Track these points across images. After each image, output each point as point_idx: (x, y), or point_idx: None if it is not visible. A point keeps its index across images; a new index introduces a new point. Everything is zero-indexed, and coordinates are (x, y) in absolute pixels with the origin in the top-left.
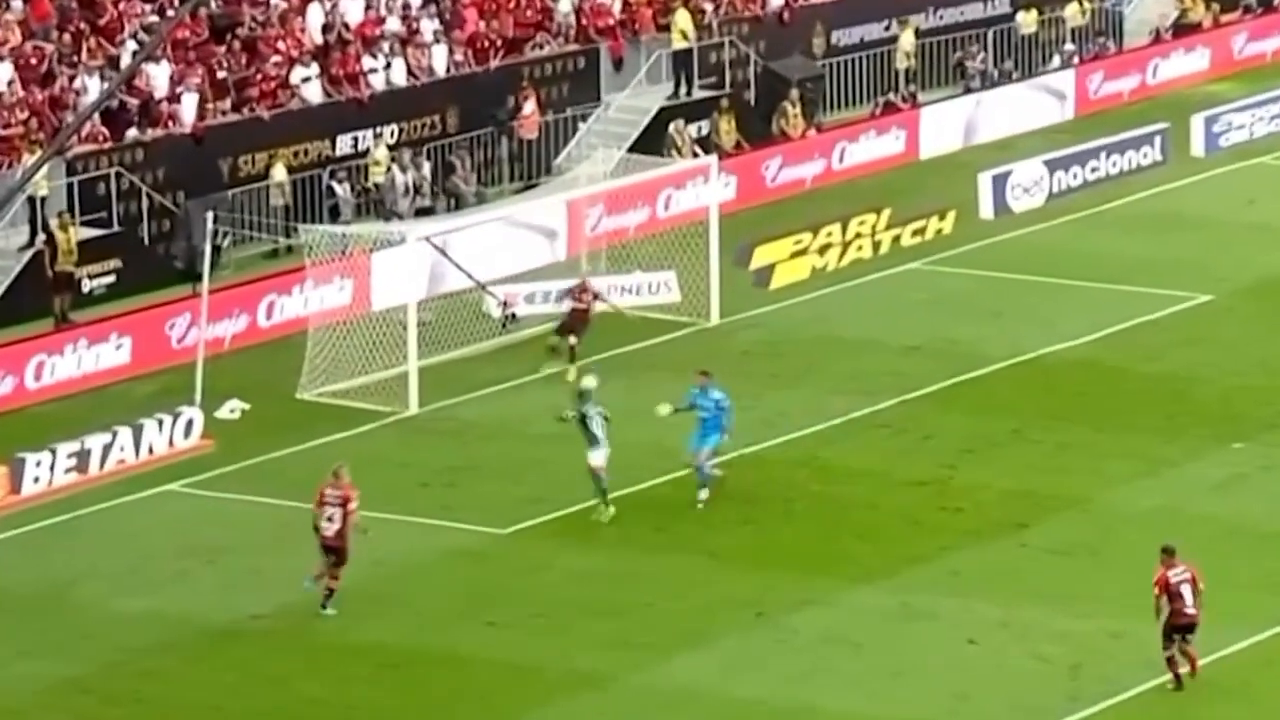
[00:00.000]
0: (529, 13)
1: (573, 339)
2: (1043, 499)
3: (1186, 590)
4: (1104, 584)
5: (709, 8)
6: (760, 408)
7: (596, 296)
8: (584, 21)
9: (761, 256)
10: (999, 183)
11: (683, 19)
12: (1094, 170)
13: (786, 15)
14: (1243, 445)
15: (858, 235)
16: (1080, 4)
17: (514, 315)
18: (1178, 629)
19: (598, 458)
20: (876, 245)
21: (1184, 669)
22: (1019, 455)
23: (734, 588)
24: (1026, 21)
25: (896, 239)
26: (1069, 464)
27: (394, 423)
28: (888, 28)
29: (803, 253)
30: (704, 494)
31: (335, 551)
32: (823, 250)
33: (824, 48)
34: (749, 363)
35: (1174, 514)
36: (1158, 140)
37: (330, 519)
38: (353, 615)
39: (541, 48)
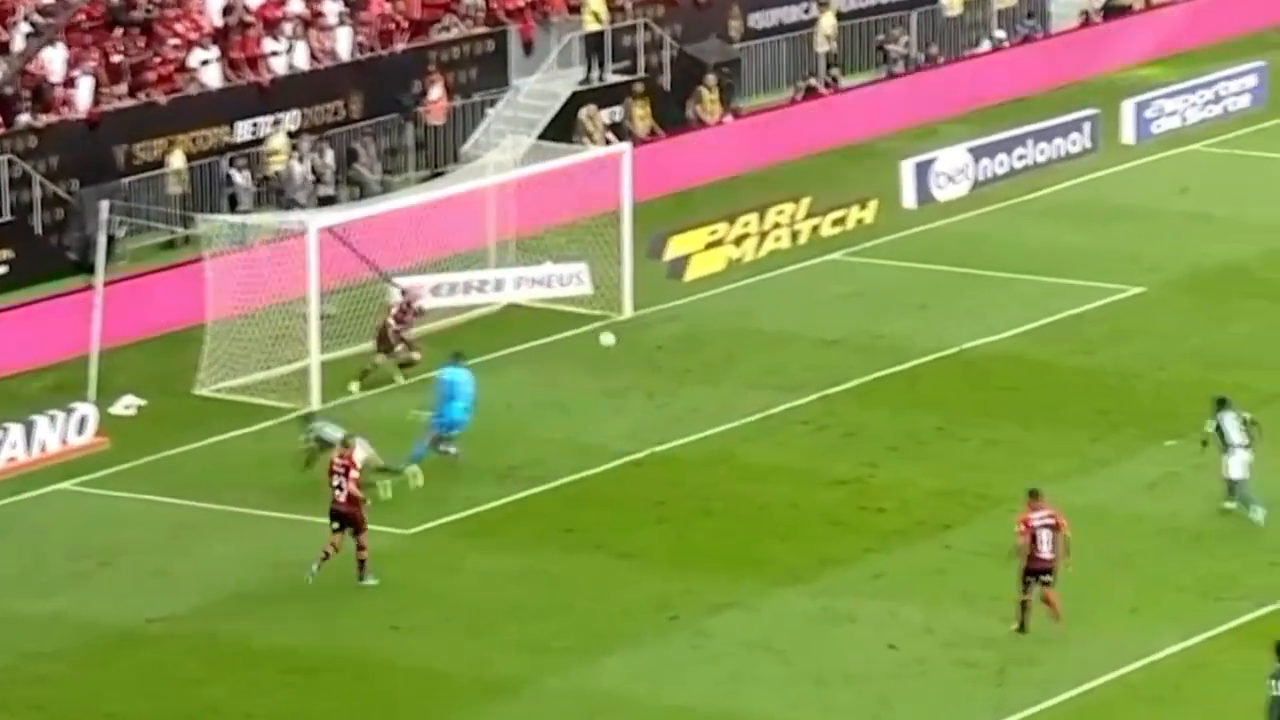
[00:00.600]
0: None
1: (380, 358)
2: (969, 499)
3: (1045, 535)
4: None
5: None
6: (675, 404)
7: (418, 314)
8: (493, 4)
9: (676, 247)
10: (922, 171)
11: (595, 1)
12: (1021, 158)
13: None
14: (1176, 442)
15: (776, 225)
16: None
17: (419, 309)
18: (1031, 572)
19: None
20: (795, 235)
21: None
22: (944, 453)
23: (649, 590)
24: (952, 3)
25: (816, 229)
26: (996, 462)
27: (295, 419)
28: (807, 10)
29: (719, 243)
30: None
31: (349, 520)
32: (739, 241)
33: (741, 31)
34: (663, 357)
35: (1105, 514)
36: (1087, 127)
37: (339, 486)
38: (256, 618)
39: (449, 30)
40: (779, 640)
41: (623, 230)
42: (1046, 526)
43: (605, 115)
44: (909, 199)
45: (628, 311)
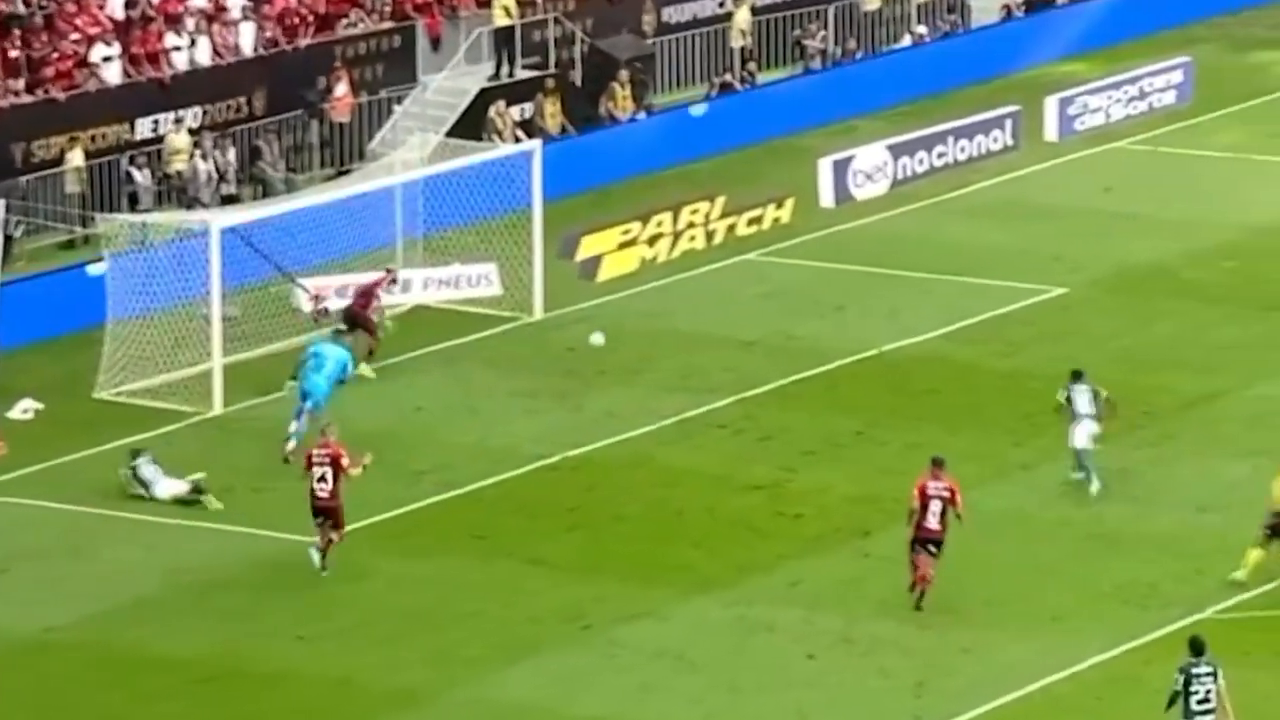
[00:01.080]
0: None
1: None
2: (888, 504)
3: (936, 505)
4: (953, 595)
5: None
6: (589, 407)
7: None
8: None
9: (588, 247)
10: (840, 169)
11: None
12: (941, 156)
13: None
14: (1099, 446)
15: (690, 225)
16: None
17: (325, 309)
18: (918, 540)
19: None
20: (710, 235)
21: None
22: (863, 457)
23: (561, 598)
24: None
25: (731, 228)
26: (917, 466)
27: (198, 423)
28: (722, 4)
29: (632, 243)
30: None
31: (329, 513)
32: (653, 240)
33: (655, 25)
34: (575, 359)
35: (1027, 518)
36: (1009, 124)
37: (323, 479)
38: (158, 627)
39: (355, 25)
40: (693, 650)
41: (533, 230)
42: (939, 498)
43: (515, 112)
44: (826, 198)
45: (539, 313)
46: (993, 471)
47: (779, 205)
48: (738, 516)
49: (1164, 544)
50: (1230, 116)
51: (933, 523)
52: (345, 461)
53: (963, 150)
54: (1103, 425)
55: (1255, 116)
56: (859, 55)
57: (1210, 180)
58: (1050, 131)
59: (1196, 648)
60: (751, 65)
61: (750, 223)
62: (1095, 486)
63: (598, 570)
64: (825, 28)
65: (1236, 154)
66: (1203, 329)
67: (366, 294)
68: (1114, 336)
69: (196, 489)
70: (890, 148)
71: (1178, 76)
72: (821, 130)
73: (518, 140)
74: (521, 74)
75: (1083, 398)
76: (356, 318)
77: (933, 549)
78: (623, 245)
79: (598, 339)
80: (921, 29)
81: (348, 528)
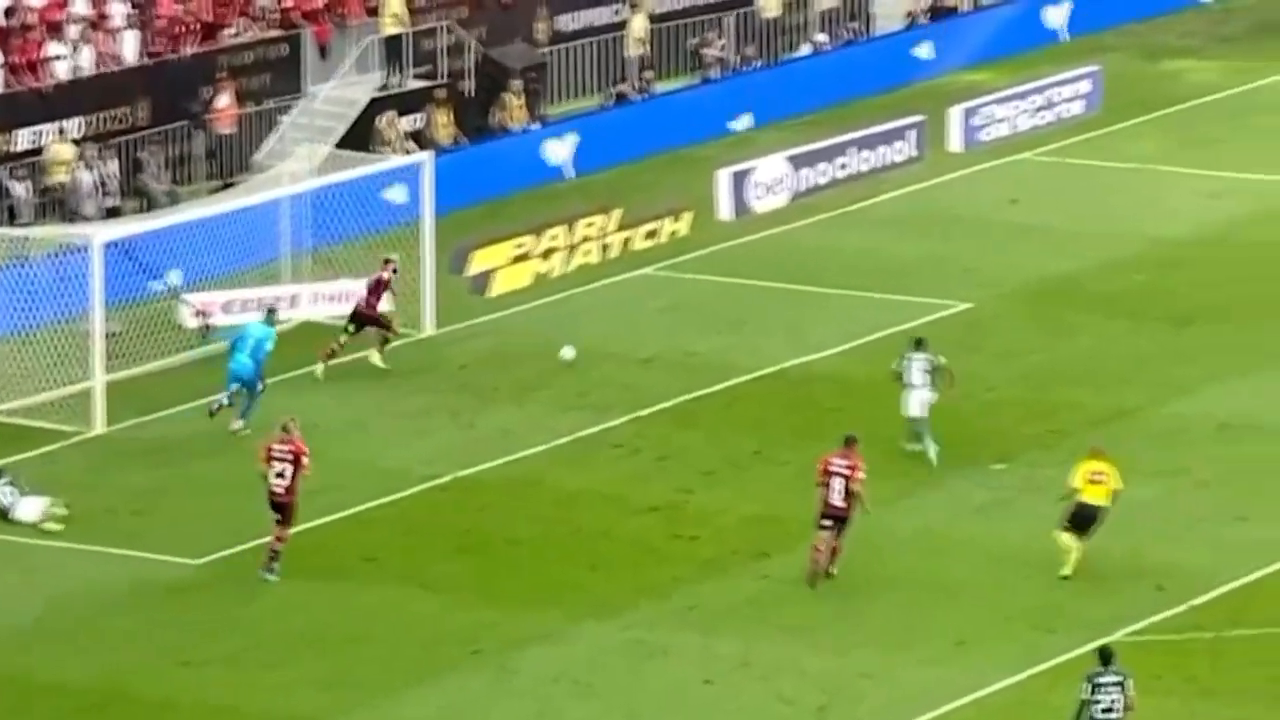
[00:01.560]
0: None
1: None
2: (788, 525)
3: (837, 483)
4: (855, 617)
5: None
6: (481, 426)
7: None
8: (286, 6)
9: (479, 261)
10: (739, 180)
11: (394, 2)
12: (843, 167)
13: None
14: (1005, 466)
15: (585, 238)
16: None
17: (210, 326)
18: (824, 516)
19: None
20: (606, 249)
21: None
22: (762, 477)
23: (453, 622)
24: (769, 5)
25: (628, 242)
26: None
27: (78, 443)
28: (617, 12)
29: (525, 257)
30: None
31: (282, 509)
32: (547, 254)
33: (549, 34)
34: (468, 376)
35: (933, 539)
36: (912, 134)
37: (281, 475)
38: (36, 653)
39: (240, 34)
40: (588, 675)
41: (424, 244)
42: (840, 475)
43: (406, 123)
44: (725, 210)
45: (429, 329)
46: (896, 490)
47: (677, 218)
48: (634, 538)
49: (1079, 564)
50: (1140, 127)
51: (836, 499)
52: (306, 460)
53: (866, 161)
54: (938, 395)
55: (1166, 126)
56: (758, 64)
57: (1120, 192)
58: (955, 142)
59: (1104, 657)
60: (648, 74)
61: (647, 236)
62: (933, 452)
63: (491, 593)
64: (723, 36)
65: (1146, 165)
66: (1112, 344)
67: (373, 291)
68: (1021, 352)
69: (49, 511)
70: (791, 159)
71: (1086, 86)
72: (720, 141)
73: (408, 152)
74: (412, 84)
75: (918, 366)
76: (363, 317)
77: (828, 524)
78: (516, 259)
79: (568, 353)
80: (822, 37)
81: (241, 548)
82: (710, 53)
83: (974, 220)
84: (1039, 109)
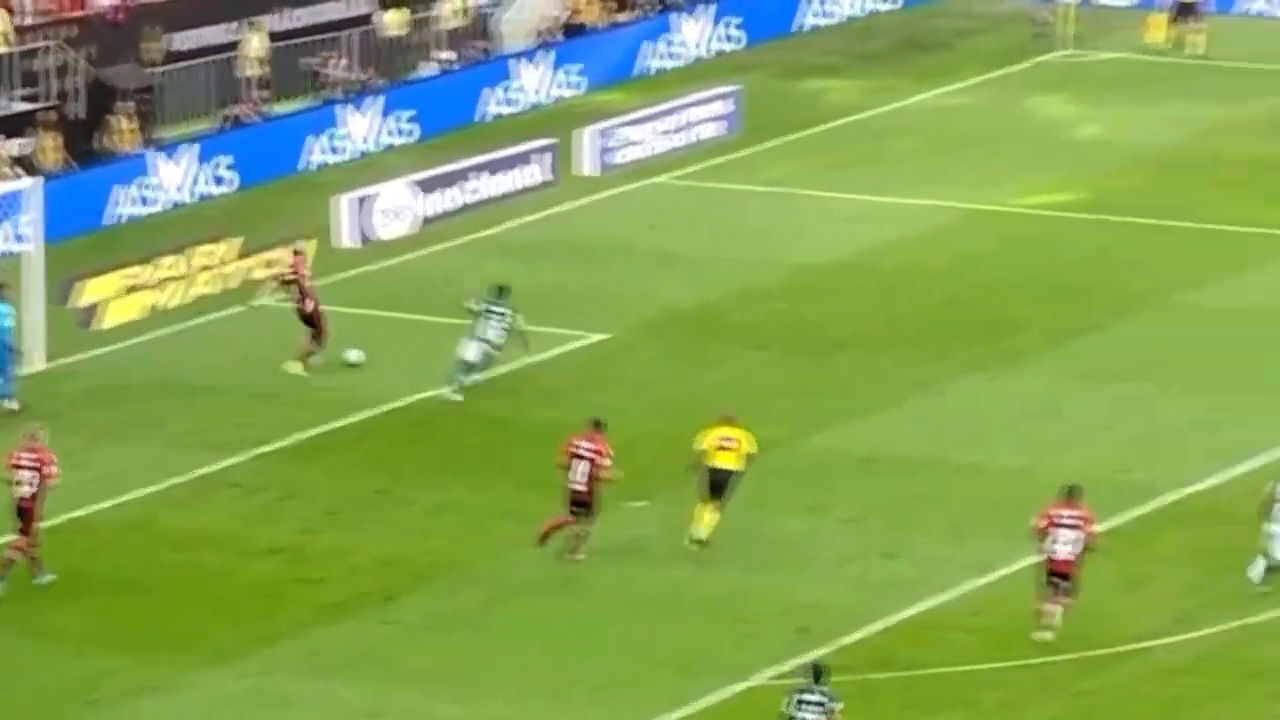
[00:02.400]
0: None
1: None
2: (416, 566)
3: (578, 465)
4: (489, 663)
5: (27, 5)
6: (92, 465)
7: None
8: None
9: (89, 293)
10: (361, 207)
11: None
12: (473, 192)
13: (119, 16)
14: (644, 503)
15: (204, 268)
16: (458, 2)
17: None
18: (574, 503)
19: None
20: (225, 279)
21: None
22: (389, 517)
23: (67, 671)
24: (392, 22)
25: (248, 272)
26: (445, 526)
27: None
28: (234, 30)
29: (139, 288)
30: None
31: (26, 515)
32: (162, 285)
33: (161, 54)
34: (77, 413)
35: (575, 581)
36: (545, 157)
37: (19, 482)
38: None
39: None
40: None
41: (30, 274)
42: (579, 457)
43: (12, 147)
44: (347, 237)
45: (40, 363)
46: (527, 532)
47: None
48: (254, 581)
49: (716, 606)
50: (780, 149)
51: (578, 481)
52: (53, 469)
53: (496, 186)
54: (501, 351)
55: (806, 149)
56: (379, 84)
57: (759, 217)
58: (588, 165)
59: (816, 673)
60: (263, 94)
61: (267, 265)
62: (462, 382)
63: (106, 640)
64: (344, 55)
65: (787, 189)
66: (752, 375)
67: (300, 287)
68: (659, 384)
69: None
70: (417, 183)
71: (725, 106)
72: (342, 165)
73: (17, 177)
74: (18, 106)
75: (492, 321)
76: (314, 318)
77: (576, 509)
78: (129, 290)
79: (355, 356)
80: (448, 55)
81: None
82: (330, 73)
83: (610, 247)
84: (676, 130)
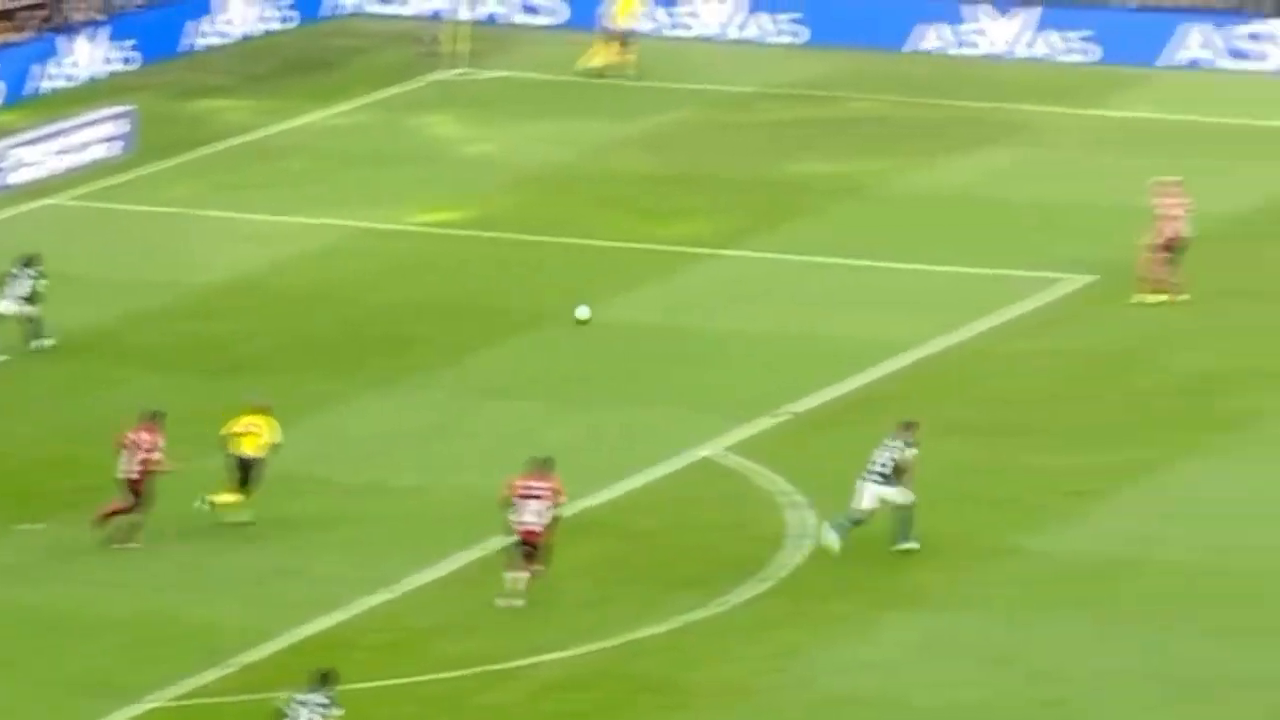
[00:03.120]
0: None
1: None
2: None
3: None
4: None
5: None
6: None
7: None
8: None
9: None
10: None
11: None
12: None
13: None
14: (41, 526)
15: None
16: None
17: None
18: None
19: None
20: None
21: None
22: None
23: None
24: None
25: None
26: None
27: None
28: None
29: None
30: None
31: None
32: None
33: None
34: None
35: None
36: None
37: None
38: None
39: None
40: None
41: None
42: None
43: None
44: None
45: None
46: None
47: None
48: None
49: (115, 628)
50: (176, 169)
51: (130, 472)
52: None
53: None
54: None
55: (202, 169)
56: None
57: (157, 237)
58: None
59: (323, 678)
60: None
61: None
62: None
63: None
64: None
65: (184, 209)
66: (152, 397)
67: None
68: (53, 408)
69: None
70: None
71: (118, 127)
72: None
73: None
74: None
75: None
76: None
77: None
78: None
79: (583, 312)
80: None
81: None
82: None
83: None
84: (70, 151)
